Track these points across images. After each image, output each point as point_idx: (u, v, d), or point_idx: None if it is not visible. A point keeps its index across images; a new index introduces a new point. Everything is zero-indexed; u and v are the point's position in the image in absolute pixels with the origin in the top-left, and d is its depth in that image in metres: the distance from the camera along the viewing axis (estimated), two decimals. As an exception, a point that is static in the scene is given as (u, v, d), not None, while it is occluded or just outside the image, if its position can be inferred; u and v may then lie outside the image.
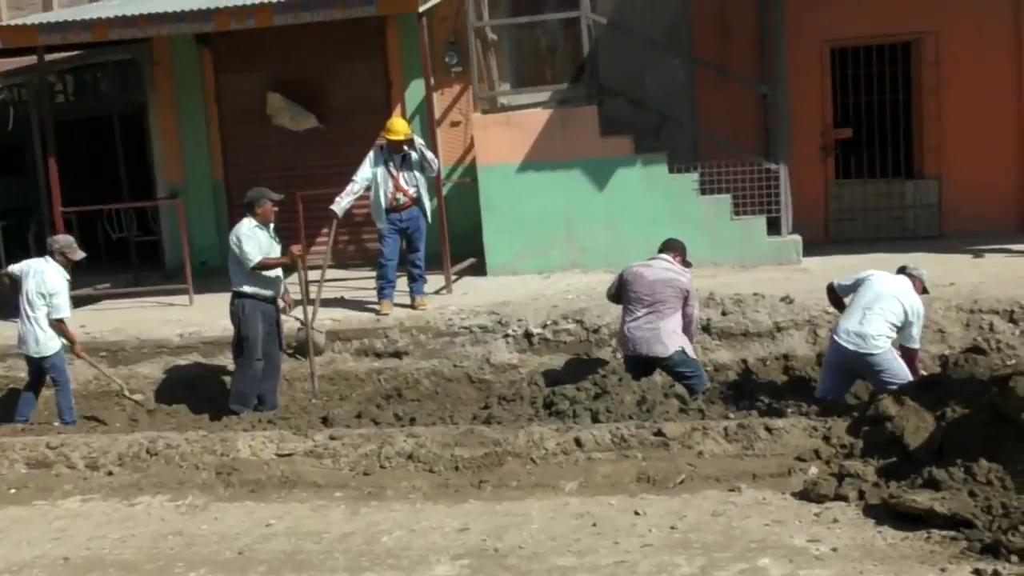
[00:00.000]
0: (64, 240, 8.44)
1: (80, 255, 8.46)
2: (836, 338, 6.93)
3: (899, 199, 11.45)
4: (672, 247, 7.78)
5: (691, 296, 7.55)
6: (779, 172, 10.03)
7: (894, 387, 6.54)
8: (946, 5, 10.88)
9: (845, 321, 6.93)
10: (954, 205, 11.20)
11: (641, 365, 7.39)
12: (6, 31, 10.11)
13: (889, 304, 6.88)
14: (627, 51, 10.95)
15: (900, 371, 6.79)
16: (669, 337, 7.36)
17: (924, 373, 7.01)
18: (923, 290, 7.20)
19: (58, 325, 8.18)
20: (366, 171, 9.20)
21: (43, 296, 8.09)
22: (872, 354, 6.80)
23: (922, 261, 9.56)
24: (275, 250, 8.13)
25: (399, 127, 9.19)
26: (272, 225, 8.21)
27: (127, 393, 8.50)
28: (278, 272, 8.14)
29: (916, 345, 6.98)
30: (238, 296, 8.05)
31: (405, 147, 9.16)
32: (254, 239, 7.98)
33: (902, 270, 7.26)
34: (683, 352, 7.40)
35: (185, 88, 12.38)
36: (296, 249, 8.14)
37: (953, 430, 5.48)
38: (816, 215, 11.23)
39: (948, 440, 5.45)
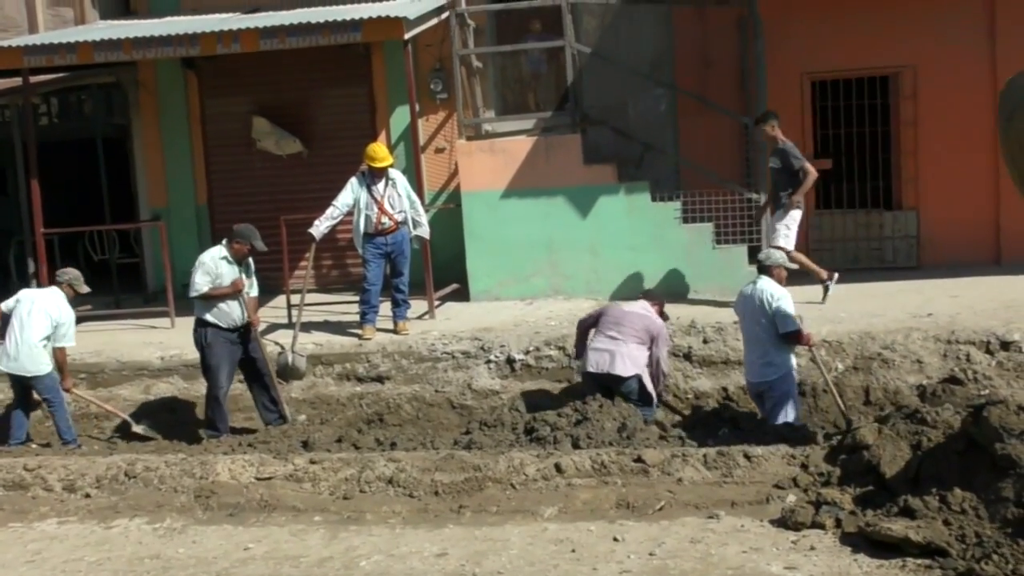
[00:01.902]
0: (74, 273, 8.53)
1: (86, 289, 8.54)
2: (747, 378, 7.46)
3: (878, 230, 11.56)
4: (651, 296, 8.14)
5: (660, 339, 7.77)
6: (760, 201, 10.12)
7: (781, 411, 7.12)
8: (924, 39, 11.05)
9: (747, 358, 7.37)
10: (932, 237, 11.31)
11: (600, 385, 7.57)
12: (-9, 52, 10.11)
13: (754, 321, 7.27)
14: (611, 80, 11.06)
15: (792, 398, 7.24)
16: (632, 361, 7.55)
17: (822, 353, 7.46)
18: (780, 283, 7.48)
19: (60, 354, 8.19)
20: (347, 197, 9.20)
21: (49, 320, 8.07)
22: (769, 380, 7.23)
23: (901, 291, 9.73)
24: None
25: (381, 154, 9.23)
26: (248, 263, 8.21)
27: (136, 429, 8.45)
28: (234, 304, 8.07)
29: (791, 327, 7.15)
30: (199, 324, 8.09)
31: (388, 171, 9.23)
32: (211, 271, 8.01)
33: (761, 268, 7.50)
34: (640, 380, 7.56)
35: (169, 111, 12.37)
36: (238, 282, 8.06)
37: (929, 459, 5.53)
38: (796, 245, 11.29)
39: (924, 469, 5.50)
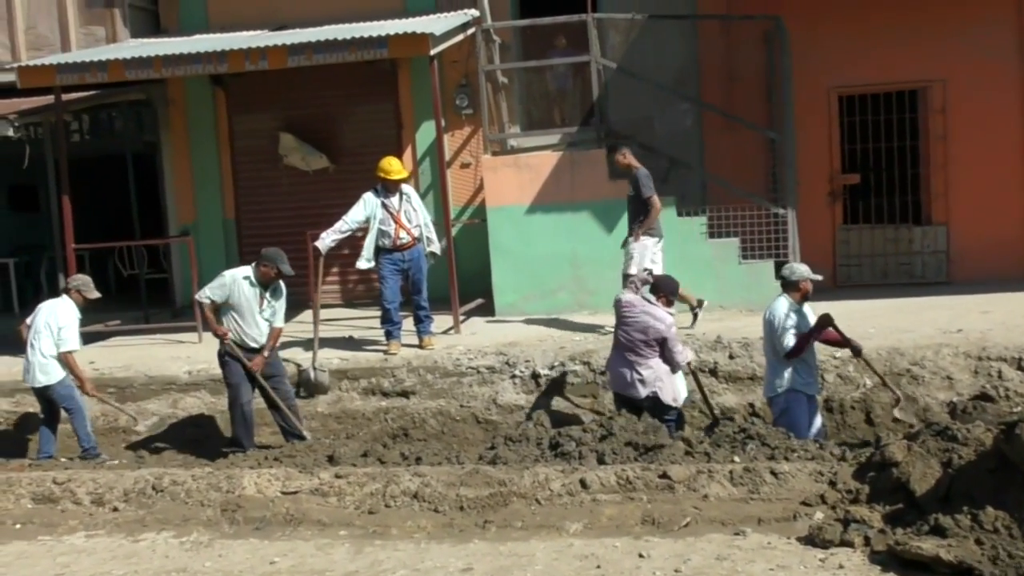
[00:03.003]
0: (82, 279, 8.59)
1: (95, 295, 8.58)
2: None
3: (907, 245, 11.48)
4: (661, 287, 7.80)
5: (669, 341, 7.50)
6: (787, 216, 10.08)
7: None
8: (953, 54, 10.99)
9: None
10: (962, 252, 11.22)
11: (624, 401, 7.59)
12: (25, 71, 10.26)
13: (765, 337, 7.31)
14: (636, 95, 11.08)
15: (788, 417, 7.19)
16: (644, 381, 7.49)
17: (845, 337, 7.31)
18: (805, 297, 7.39)
19: (66, 359, 8.24)
20: (359, 214, 9.12)
21: (51, 328, 8.19)
22: (768, 396, 7.34)
23: (931, 307, 9.63)
24: (253, 308, 8.02)
25: (396, 167, 9.19)
26: (278, 287, 8.18)
27: (138, 428, 8.49)
28: (255, 325, 8.06)
29: (785, 351, 7.13)
30: (221, 341, 8.12)
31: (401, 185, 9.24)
32: (226, 285, 8.00)
33: (785, 285, 7.39)
34: (655, 398, 7.48)
35: (198, 128, 12.53)
36: (223, 331, 7.98)
37: (960, 477, 5.45)
38: (824, 260, 11.23)
39: (955, 487, 5.42)
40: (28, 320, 8.46)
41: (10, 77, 10.57)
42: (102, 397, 8.67)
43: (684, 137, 11.27)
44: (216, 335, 8.04)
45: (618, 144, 9.61)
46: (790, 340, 7.12)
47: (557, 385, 8.61)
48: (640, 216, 9.13)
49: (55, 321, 8.23)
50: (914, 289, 10.83)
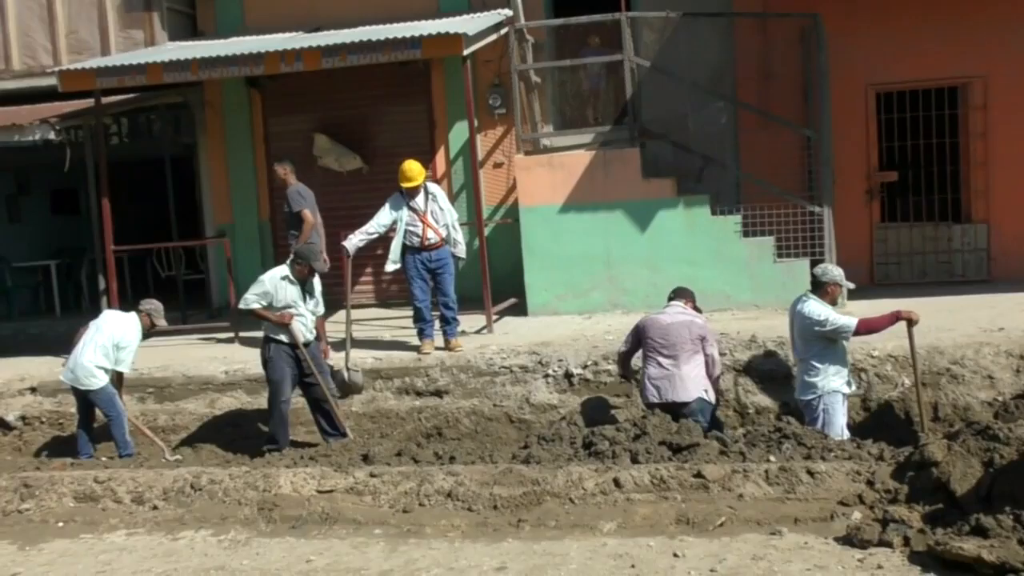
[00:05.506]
0: (155, 305, 8.69)
1: (163, 324, 8.71)
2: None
3: (946, 243, 11.31)
4: (682, 294, 7.91)
5: (708, 338, 7.62)
6: (823, 215, 9.97)
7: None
8: (994, 49, 10.82)
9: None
10: (1004, 250, 11.04)
11: (663, 411, 7.41)
12: (66, 75, 10.42)
13: (798, 337, 7.38)
14: (670, 94, 11.01)
15: (826, 424, 7.22)
16: (692, 382, 7.45)
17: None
18: (833, 301, 7.44)
19: (119, 377, 8.41)
20: (385, 218, 9.16)
21: (113, 343, 8.28)
22: (804, 399, 7.38)
23: (971, 305, 9.49)
24: (300, 304, 8.13)
25: (415, 173, 9.13)
26: (312, 283, 8.26)
27: (167, 456, 8.42)
28: (300, 323, 8.14)
29: (849, 331, 7.13)
30: (264, 340, 8.22)
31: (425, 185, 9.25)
32: (267, 290, 8.07)
33: (815, 285, 7.39)
34: (703, 399, 7.46)
35: (234, 130, 12.64)
36: (287, 316, 8.08)
37: (1002, 476, 5.36)
38: (861, 258, 11.11)
39: (997, 487, 5.33)
40: (91, 323, 8.53)
41: (51, 81, 10.74)
42: (140, 427, 8.67)
43: (719, 135, 11.19)
44: (283, 323, 8.06)
45: (282, 158, 10.17)
46: (848, 319, 7.11)
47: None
48: (296, 229, 9.76)
49: (118, 337, 8.30)
50: (954, 288, 10.67)
